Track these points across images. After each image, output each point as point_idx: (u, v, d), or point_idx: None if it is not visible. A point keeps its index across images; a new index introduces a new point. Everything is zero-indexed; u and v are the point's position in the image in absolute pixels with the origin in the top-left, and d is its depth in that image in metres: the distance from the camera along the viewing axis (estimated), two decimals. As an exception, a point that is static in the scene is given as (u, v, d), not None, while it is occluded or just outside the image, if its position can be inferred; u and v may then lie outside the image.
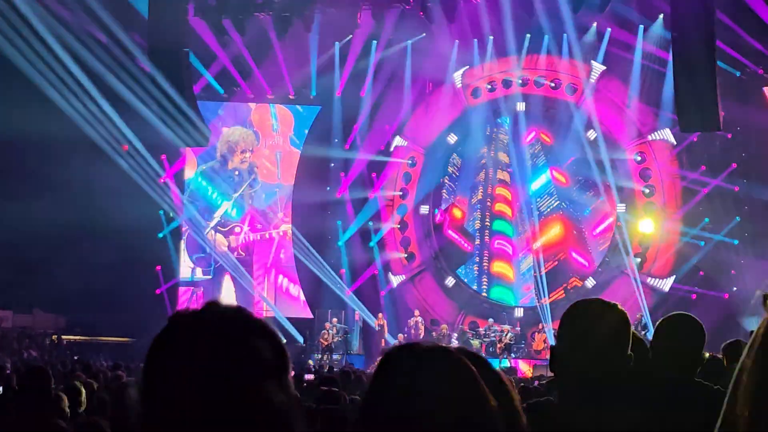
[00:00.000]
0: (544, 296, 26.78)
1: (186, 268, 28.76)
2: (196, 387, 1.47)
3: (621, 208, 26.84)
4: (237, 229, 28.86)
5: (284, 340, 1.66)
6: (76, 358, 20.61)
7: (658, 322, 4.29)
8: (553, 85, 27.58)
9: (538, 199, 27.82)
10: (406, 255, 28.53)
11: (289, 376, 1.58)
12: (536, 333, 25.64)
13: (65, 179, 24.85)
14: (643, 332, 22.58)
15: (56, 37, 23.91)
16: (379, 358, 1.48)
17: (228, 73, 27.83)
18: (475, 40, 27.40)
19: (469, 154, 28.38)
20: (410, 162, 28.64)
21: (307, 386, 10.82)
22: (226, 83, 28.28)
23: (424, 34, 27.17)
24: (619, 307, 2.88)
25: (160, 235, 28.19)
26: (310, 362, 24.06)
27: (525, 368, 24.21)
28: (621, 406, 2.77)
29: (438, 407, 1.36)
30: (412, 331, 26.04)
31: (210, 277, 28.61)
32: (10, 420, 5.42)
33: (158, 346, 1.56)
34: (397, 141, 28.48)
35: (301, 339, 27.17)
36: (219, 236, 28.78)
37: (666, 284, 26.19)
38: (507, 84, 27.87)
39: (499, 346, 24.85)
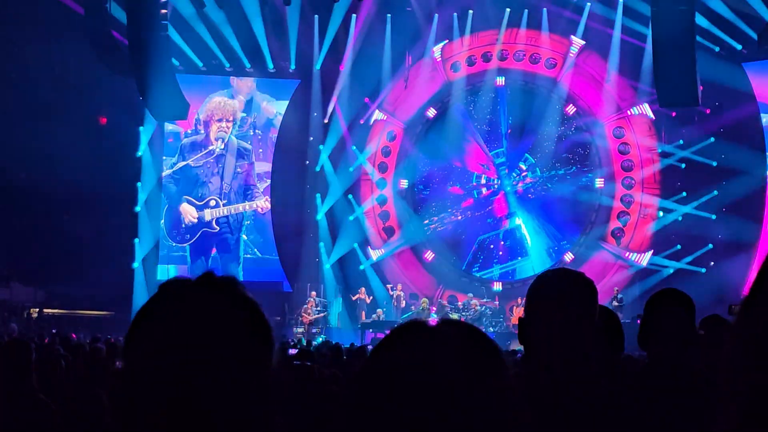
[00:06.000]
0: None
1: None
2: (175, 358, 1.45)
3: (599, 182, 26.93)
4: (212, 203, 28.58)
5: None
6: (54, 331, 20.51)
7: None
8: (532, 59, 27.57)
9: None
10: (385, 229, 28.52)
11: (272, 352, 1.55)
12: (515, 307, 25.71)
13: (43, 151, 24.65)
14: (618, 306, 22.76)
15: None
16: (388, 332, 1.44)
17: (207, 46, 27.60)
18: (455, 13, 27.32)
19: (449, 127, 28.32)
20: (389, 136, 28.58)
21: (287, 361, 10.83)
22: (205, 56, 28.02)
23: (404, 8, 27.08)
24: (585, 276, 2.88)
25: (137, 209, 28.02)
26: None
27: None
28: (590, 378, 2.78)
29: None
30: (393, 305, 26.06)
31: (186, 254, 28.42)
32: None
33: (144, 313, 1.53)
34: (377, 114, 28.39)
35: (279, 313, 27.05)
36: (189, 207, 28.46)
37: (644, 259, 26.33)
38: (486, 58, 27.82)
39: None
